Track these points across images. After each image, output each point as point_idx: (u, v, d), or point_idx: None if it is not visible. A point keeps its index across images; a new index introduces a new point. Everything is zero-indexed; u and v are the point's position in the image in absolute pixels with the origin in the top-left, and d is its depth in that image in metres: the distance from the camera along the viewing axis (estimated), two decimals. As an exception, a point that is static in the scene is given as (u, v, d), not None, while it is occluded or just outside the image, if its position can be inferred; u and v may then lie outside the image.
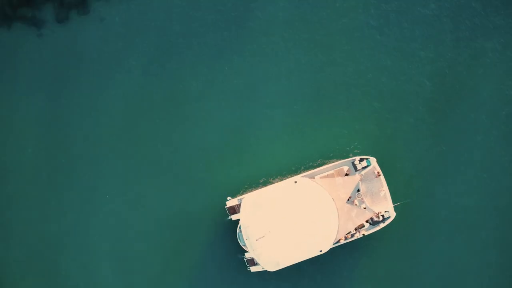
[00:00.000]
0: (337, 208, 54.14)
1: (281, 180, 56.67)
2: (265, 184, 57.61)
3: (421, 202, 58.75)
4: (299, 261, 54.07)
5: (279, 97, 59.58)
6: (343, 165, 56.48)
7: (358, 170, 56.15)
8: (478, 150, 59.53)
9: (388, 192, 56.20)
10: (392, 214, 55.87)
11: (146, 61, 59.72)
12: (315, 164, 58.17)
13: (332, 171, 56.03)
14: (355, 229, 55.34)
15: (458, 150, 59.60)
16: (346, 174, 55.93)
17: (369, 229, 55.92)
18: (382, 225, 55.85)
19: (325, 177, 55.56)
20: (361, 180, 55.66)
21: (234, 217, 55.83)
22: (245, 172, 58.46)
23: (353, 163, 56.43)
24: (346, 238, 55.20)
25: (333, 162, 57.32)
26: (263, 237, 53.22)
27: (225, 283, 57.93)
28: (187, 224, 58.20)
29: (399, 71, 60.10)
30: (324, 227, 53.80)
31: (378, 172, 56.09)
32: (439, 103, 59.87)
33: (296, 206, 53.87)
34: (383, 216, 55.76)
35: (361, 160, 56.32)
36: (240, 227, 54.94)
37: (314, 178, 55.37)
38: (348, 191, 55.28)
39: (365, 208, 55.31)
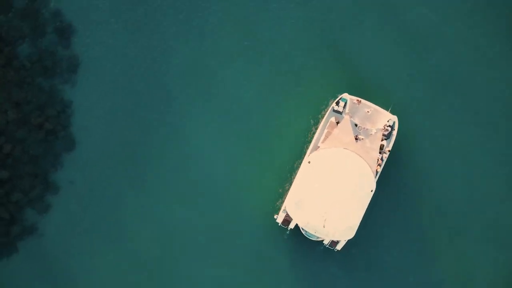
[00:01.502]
0: (355, 152, 57.67)
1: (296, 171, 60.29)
2: (287, 181, 61.14)
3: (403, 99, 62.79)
4: (363, 213, 57.52)
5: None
6: (329, 118, 60.01)
7: (342, 111, 59.71)
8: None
9: (377, 106, 59.90)
10: (394, 118, 59.45)
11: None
12: (309, 138, 61.68)
13: (325, 131, 59.55)
14: (380, 153, 58.90)
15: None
16: (337, 123, 59.51)
17: (389, 143, 59.51)
18: (395, 132, 59.43)
19: (324, 139, 59.08)
20: (350, 117, 59.25)
21: (291, 226, 59.20)
22: (265, 185, 61.85)
23: (334, 110, 60.00)
24: (380, 165, 58.75)
25: (319, 124, 60.81)
26: (325, 220, 56.60)
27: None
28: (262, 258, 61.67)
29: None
30: (359, 173, 57.08)
31: (358, 100, 59.72)
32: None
33: (325, 176, 57.01)
34: (389, 126, 59.39)
35: (337, 103, 59.88)
36: (302, 229, 58.38)
37: (318, 147, 58.84)
38: (349, 133, 58.78)
39: (371, 134, 58.92)
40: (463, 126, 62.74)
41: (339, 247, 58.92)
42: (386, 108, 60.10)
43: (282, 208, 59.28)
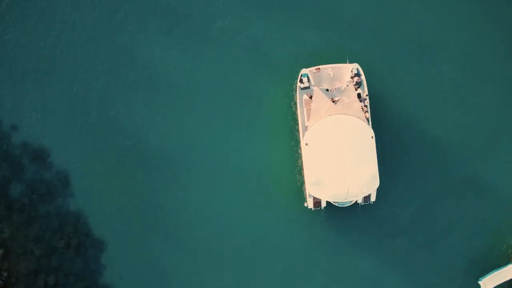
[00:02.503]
0: (340, 114, 60.20)
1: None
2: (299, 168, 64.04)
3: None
4: (376, 159, 60.03)
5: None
6: (301, 97, 62.35)
7: (309, 85, 62.14)
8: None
9: (335, 64, 62.43)
10: (355, 65, 61.87)
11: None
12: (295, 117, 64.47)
13: (304, 110, 61.93)
14: (361, 101, 61.52)
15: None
16: (311, 97, 62.06)
17: (363, 88, 61.97)
18: (363, 76, 61.91)
19: (308, 117, 61.39)
20: (318, 86, 61.81)
21: (323, 205, 61.97)
22: (284, 180, 64.65)
23: (301, 88, 62.38)
24: (367, 111, 61.42)
25: (297, 107, 63.26)
26: (348, 186, 59.37)
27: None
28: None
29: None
30: (354, 128, 59.78)
31: (317, 69, 62.28)
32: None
33: (326, 148, 59.75)
34: (355, 74, 61.85)
35: (300, 81, 62.34)
36: (334, 203, 61.23)
37: (307, 127, 61.26)
38: (325, 100, 61.25)
39: (344, 89, 61.50)
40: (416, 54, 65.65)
41: (373, 199, 61.63)
42: (343, 61, 62.63)
43: (307, 194, 62.00)
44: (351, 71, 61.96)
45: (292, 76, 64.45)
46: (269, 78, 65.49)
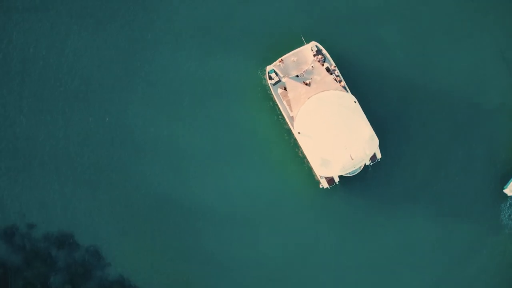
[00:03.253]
0: (318, 93, 62.46)
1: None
2: (302, 156, 66.06)
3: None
4: (367, 120, 62.33)
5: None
6: (276, 92, 64.51)
7: (279, 78, 64.21)
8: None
9: (294, 50, 64.44)
10: (312, 43, 64.08)
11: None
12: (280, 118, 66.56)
13: (284, 102, 64.06)
14: (331, 73, 63.63)
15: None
16: (285, 88, 64.20)
17: (329, 61, 64.19)
18: (325, 51, 64.10)
19: (291, 108, 63.47)
20: (288, 76, 63.90)
21: (336, 180, 64.24)
22: (292, 171, 66.69)
23: (273, 84, 64.37)
24: (341, 80, 63.62)
25: (277, 103, 65.33)
26: (351, 154, 61.56)
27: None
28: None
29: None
30: (335, 100, 62.24)
31: (280, 61, 64.30)
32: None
33: (318, 128, 62.12)
34: (317, 51, 64.00)
35: (269, 78, 64.38)
36: (345, 175, 63.45)
37: (293, 117, 63.43)
38: (299, 86, 63.40)
39: (312, 70, 63.65)
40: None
41: (378, 156, 63.93)
42: (301, 44, 64.74)
43: (318, 176, 64.10)
44: (312, 50, 63.99)
45: (261, 77, 66.43)
46: (240, 85, 67.07)
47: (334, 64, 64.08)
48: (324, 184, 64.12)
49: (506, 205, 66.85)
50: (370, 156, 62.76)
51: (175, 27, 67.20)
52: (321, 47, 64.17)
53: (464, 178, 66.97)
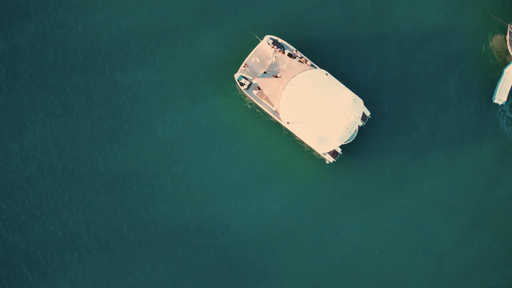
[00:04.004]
0: (290, 79, 64.18)
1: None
2: (299, 142, 67.46)
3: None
4: (343, 85, 64.22)
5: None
6: (252, 94, 65.97)
7: (251, 81, 65.67)
8: None
9: (253, 50, 66.06)
10: (266, 38, 65.66)
11: None
12: (266, 117, 68.05)
13: (263, 101, 65.55)
14: (295, 58, 65.40)
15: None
16: (259, 88, 65.69)
17: (288, 47, 65.86)
18: (280, 40, 65.71)
19: (272, 104, 64.99)
20: (257, 76, 65.44)
21: (339, 151, 66.04)
22: (296, 159, 68.10)
23: (247, 89, 65.81)
24: (306, 60, 65.32)
25: (257, 104, 66.82)
26: (342, 121, 63.52)
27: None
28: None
29: None
30: (309, 79, 64.09)
31: (244, 65, 65.82)
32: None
33: (305, 109, 63.79)
34: (273, 43, 65.65)
35: (241, 84, 65.81)
36: (345, 142, 65.04)
37: (277, 112, 64.92)
38: (271, 81, 65.05)
39: (276, 61, 65.27)
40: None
41: (367, 113, 65.78)
42: (256, 42, 66.46)
43: (322, 154, 65.58)
44: (269, 44, 65.67)
45: (235, 88, 68.00)
46: (224, 104, 68.41)
47: (294, 49, 65.74)
48: (330, 158, 65.62)
49: (500, 113, 68.77)
50: (361, 117, 64.31)
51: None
52: (275, 37, 65.81)
53: (454, 103, 68.74)
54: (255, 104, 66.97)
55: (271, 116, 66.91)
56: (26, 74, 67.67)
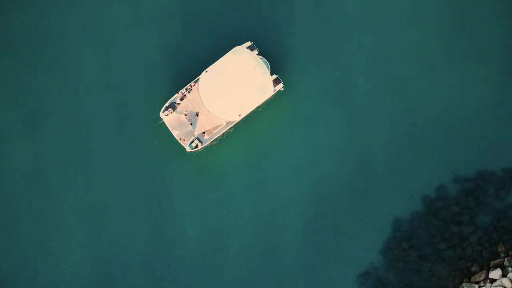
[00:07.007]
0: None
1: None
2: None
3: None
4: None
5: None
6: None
7: (193, 137, 69.26)
8: None
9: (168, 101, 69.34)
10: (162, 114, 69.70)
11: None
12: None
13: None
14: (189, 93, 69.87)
15: None
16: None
17: (187, 92, 69.98)
18: (173, 98, 69.86)
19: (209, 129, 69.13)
20: (188, 128, 69.41)
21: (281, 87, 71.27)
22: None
23: (192, 143, 68.78)
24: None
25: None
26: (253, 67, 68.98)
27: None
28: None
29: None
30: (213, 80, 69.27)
31: (174, 132, 69.35)
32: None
33: (229, 85, 68.30)
34: (167, 107, 69.79)
35: (190, 145, 68.91)
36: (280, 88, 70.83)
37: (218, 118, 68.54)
38: (197, 120, 69.19)
39: (186, 113, 69.66)
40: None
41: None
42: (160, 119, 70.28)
43: (273, 93, 70.71)
44: (168, 109, 69.91)
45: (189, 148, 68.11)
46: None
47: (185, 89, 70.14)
48: (279, 87, 69.88)
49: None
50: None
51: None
52: (167, 104, 69.73)
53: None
54: (208, 143, 69.21)
55: (226, 132, 70.36)
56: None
